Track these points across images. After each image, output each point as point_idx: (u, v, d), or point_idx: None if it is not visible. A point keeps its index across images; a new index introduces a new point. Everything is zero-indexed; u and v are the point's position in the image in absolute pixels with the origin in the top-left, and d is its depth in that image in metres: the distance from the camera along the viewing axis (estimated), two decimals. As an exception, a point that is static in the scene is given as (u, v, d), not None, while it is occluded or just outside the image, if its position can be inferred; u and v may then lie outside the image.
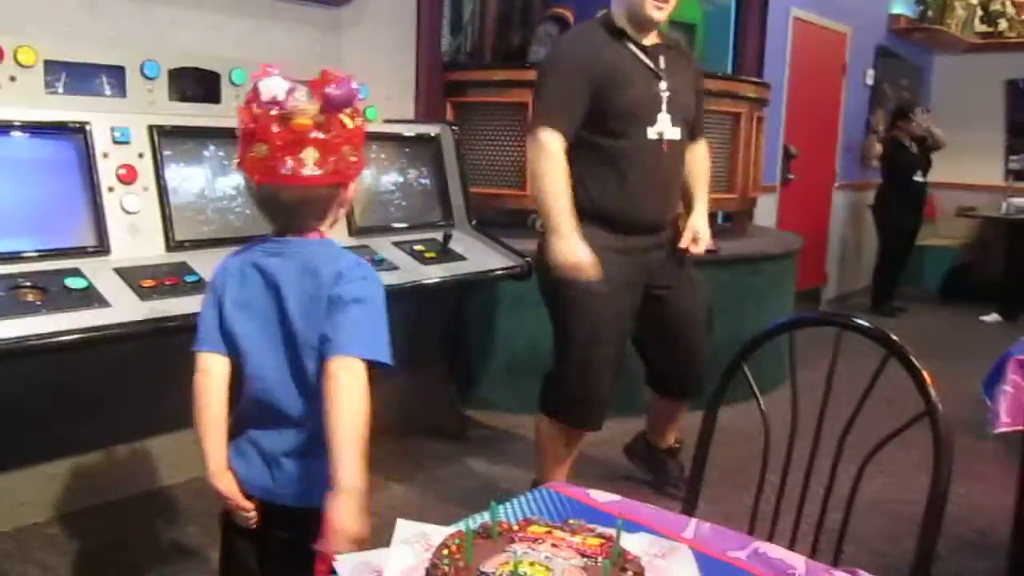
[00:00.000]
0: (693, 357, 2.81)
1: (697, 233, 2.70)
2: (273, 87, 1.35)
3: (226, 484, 1.47)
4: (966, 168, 7.35)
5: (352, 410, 1.34)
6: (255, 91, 1.37)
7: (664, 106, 2.55)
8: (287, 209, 1.44)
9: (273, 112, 1.35)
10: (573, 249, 2.44)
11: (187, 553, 2.49)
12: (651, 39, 2.59)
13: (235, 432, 1.51)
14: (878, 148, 6.45)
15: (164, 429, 2.86)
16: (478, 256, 3.09)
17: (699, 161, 2.80)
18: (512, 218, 4.09)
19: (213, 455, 1.47)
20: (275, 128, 1.35)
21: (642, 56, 2.54)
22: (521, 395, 3.75)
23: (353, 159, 1.43)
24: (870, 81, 7.06)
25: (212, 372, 1.47)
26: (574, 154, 2.52)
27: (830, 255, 6.94)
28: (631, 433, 3.19)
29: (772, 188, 5.79)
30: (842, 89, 6.66)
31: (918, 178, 6.41)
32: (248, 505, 1.47)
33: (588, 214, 2.53)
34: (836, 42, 6.47)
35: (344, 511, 1.29)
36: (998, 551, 2.58)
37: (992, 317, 6.43)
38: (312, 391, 1.42)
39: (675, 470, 3.07)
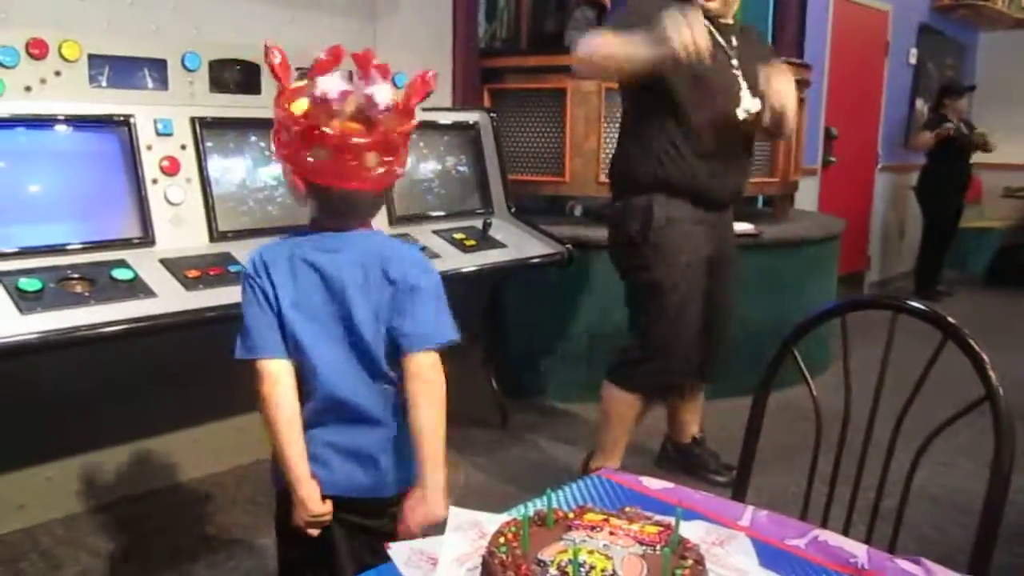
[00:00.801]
0: (721, 339, 2.83)
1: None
2: (330, 86, 1.30)
3: (311, 491, 1.40)
4: (1013, 148, 7.16)
5: (436, 406, 1.38)
6: (319, 90, 1.30)
7: (742, 82, 2.56)
8: (362, 209, 1.41)
9: (328, 112, 1.29)
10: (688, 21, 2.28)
11: (233, 538, 2.52)
12: (727, 19, 2.61)
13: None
14: (926, 137, 6.25)
15: (209, 418, 2.89)
16: (517, 243, 3.07)
17: None
18: (551, 205, 4.08)
19: (299, 463, 1.39)
20: (327, 130, 1.29)
21: (716, 34, 2.53)
22: (560, 382, 3.75)
23: (403, 162, 1.41)
24: (913, 60, 6.91)
25: (282, 380, 1.38)
26: (652, 133, 2.55)
27: (872, 238, 6.83)
28: (662, 418, 3.16)
29: (813, 171, 5.70)
30: (884, 69, 6.53)
31: (963, 159, 6.27)
32: (327, 510, 1.42)
33: (673, 188, 2.56)
34: (877, 21, 6.33)
35: (433, 501, 1.36)
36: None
37: None
38: (385, 380, 1.42)
39: (710, 458, 3.05)
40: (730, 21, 2.62)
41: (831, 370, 3.54)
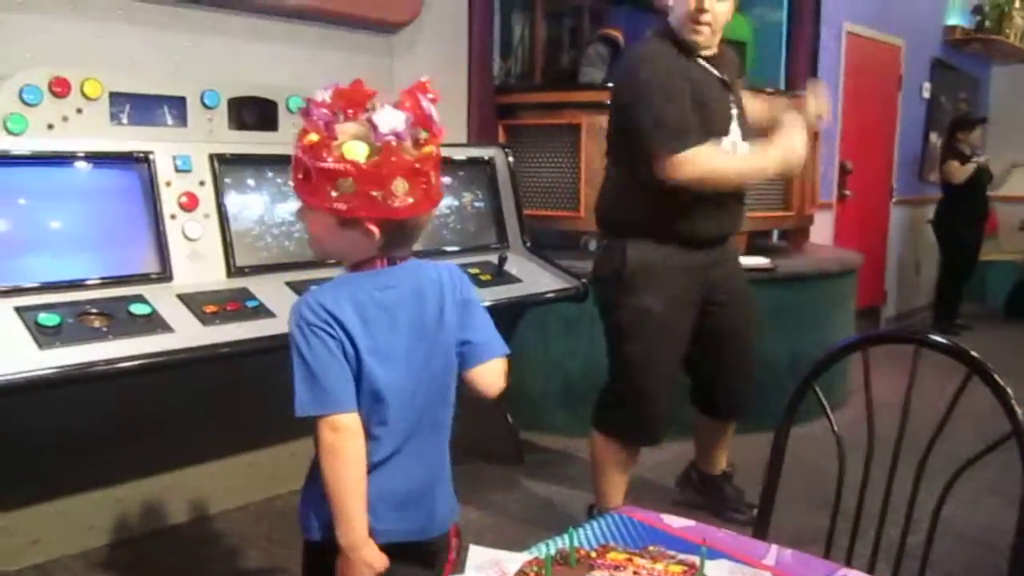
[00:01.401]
0: (744, 374, 2.77)
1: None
2: (395, 121, 1.27)
3: (374, 549, 1.35)
4: (1028, 181, 7.16)
5: None
6: (388, 128, 1.27)
7: (735, 118, 2.53)
8: (410, 236, 1.39)
9: (394, 144, 1.28)
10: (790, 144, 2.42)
11: (248, 575, 2.50)
12: (712, 51, 2.51)
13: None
14: (958, 167, 6.20)
15: (225, 453, 2.89)
16: (533, 278, 3.07)
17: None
18: (566, 240, 4.08)
19: (362, 522, 1.34)
20: (395, 159, 1.27)
21: (712, 69, 2.49)
22: (577, 417, 3.71)
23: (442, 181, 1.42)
24: (926, 94, 6.92)
25: (358, 433, 1.33)
26: (631, 177, 2.49)
27: (888, 272, 6.79)
28: (680, 455, 3.13)
29: (828, 205, 5.69)
30: (898, 103, 6.54)
31: (981, 191, 6.24)
32: (387, 563, 1.37)
33: (655, 231, 2.51)
34: (891, 55, 6.36)
35: None
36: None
37: None
38: (451, 409, 1.45)
39: (733, 494, 3.00)
40: (714, 52, 2.51)
41: (849, 405, 3.50)
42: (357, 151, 1.26)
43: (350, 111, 1.30)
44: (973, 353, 1.39)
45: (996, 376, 1.34)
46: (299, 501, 1.45)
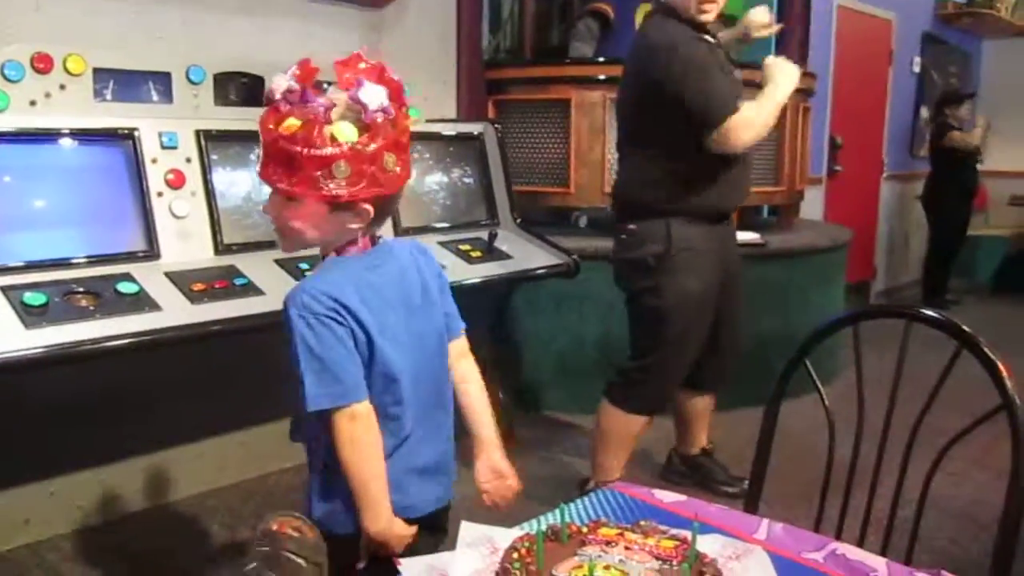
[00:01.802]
0: (732, 347, 2.83)
1: None
2: (380, 96, 1.25)
3: (401, 524, 1.34)
4: (1018, 155, 7.14)
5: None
6: (376, 105, 1.24)
7: (742, 92, 2.58)
8: (389, 208, 1.40)
9: (385, 118, 1.26)
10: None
11: (239, 553, 2.50)
12: (714, 28, 2.63)
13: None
14: (959, 135, 6.18)
15: (214, 432, 2.88)
16: (524, 254, 3.06)
17: None
18: (556, 216, 4.06)
19: (387, 504, 1.32)
20: (381, 139, 1.25)
21: (717, 44, 2.59)
22: (568, 394, 3.72)
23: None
24: (917, 69, 6.90)
25: (374, 419, 1.31)
26: (673, 154, 2.53)
27: (878, 247, 6.80)
28: (668, 428, 3.13)
29: (819, 180, 5.68)
30: (888, 78, 6.52)
31: (971, 165, 6.24)
32: (413, 531, 1.37)
33: (690, 209, 2.55)
34: (882, 30, 6.33)
35: (505, 460, 1.50)
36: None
37: None
38: (447, 385, 1.46)
39: (718, 470, 3.02)
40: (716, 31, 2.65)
41: (839, 379, 3.51)
42: (347, 132, 1.22)
43: (312, 91, 1.26)
44: (964, 327, 1.38)
45: (986, 349, 1.34)
46: (312, 498, 1.39)
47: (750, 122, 2.44)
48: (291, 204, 1.28)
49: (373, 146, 1.24)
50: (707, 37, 2.53)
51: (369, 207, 1.29)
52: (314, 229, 1.31)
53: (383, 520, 1.30)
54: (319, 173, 1.23)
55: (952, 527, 2.69)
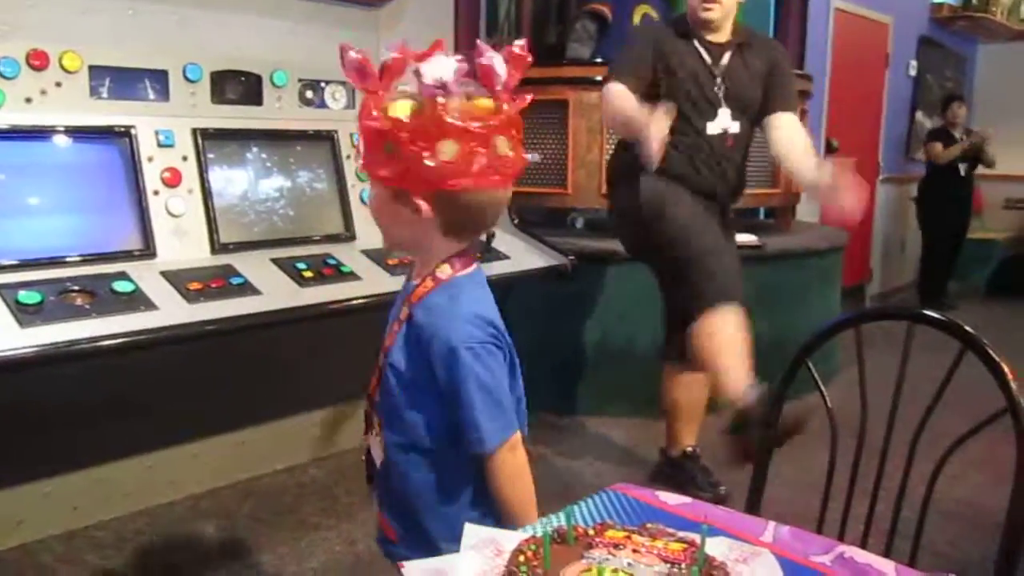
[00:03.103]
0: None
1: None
2: (442, 68, 1.09)
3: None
4: (1013, 159, 7.16)
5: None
6: (431, 78, 1.10)
7: (723, 101, 2.67)
8: (480, 217, 1.21)
9: (440, 100, 1.10)
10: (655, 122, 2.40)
11: (234, 554, 2.48)
12: (720, 36, 2.70)
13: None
14: (938, 148, 6.25)
15: (210, 432, 2.86)
16: (521, 255, 3.05)
17: (796, 138, 2.76)
18: (554, 217, 4.05)
19: None
20: (449, 119, 1.09)
21: (703, 52, 2.67)
22: (564, 395, 3.71)
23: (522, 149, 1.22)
24: (913, 72, 6.92)
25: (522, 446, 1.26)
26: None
27: (874, 250, 6.81)
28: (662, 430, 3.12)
29: (815, 183, 5.68)
30: (884, 81, 6.53)
31: (962, 172, 6.25)
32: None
33: (660, 170, 2.60)
34: (878, 33, 6.34)
35: None
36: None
37: None
38: None
39: (700, 473, 2.96)
40: (723, 39, 2.71)
41: (837, 382, 3.51)
42: (400, 107, 1.11)
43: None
44: (967, 328, 1.38)
45: (991, 351, 1.33)
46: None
47: (611, 98, 2.57)
48: (371, 187, 1.23)
49: (424, 126, 1.09)
50: (695, 43, 2.67)
51: (422, 202, 1.14)
52: (386, 218, 1.22)
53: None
54: (375, 150, 1.13)
55: (951, 529, 2.69)
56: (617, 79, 2.62)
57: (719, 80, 2.69)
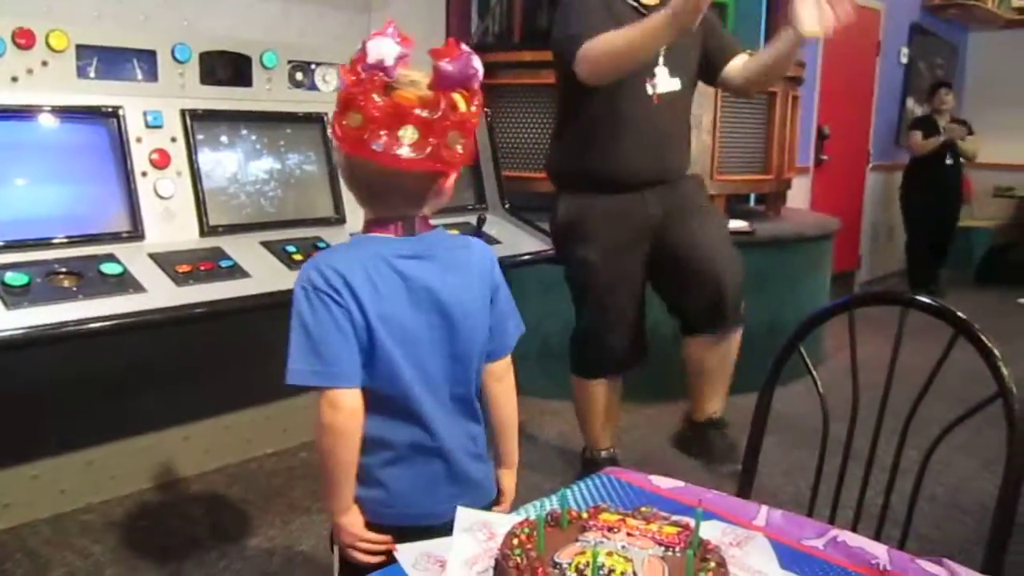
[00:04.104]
0: (710, 279, 2.66)
1: None
2: (382, 50, 1.15)
3: (356, 517, 1.30)
4: (1003, 147, 7.18)
5: (515, 400, 1.45)
6: (363, 51, 1.17)
7: (660, 60, 2.50)
8: (375, 188, 1.26)
9: (377, 78, 1.16)
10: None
11: (224, 537, 2.47)
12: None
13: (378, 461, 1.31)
14: (918, 138, 6.28)
15: (199, 415, 2.85)
16: (512, 239, 3.04)
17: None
18: (545, 201, 4.03)
19: (349, 491, 1.28)
20: (376, 98, 1.16)
21: (642, 14, 2.45)
22: (554, 380, 3.69)
23: (459, 147, 1.23)
24: (904, 60, 6.91)
25: (359, 411, 1.24)
26: (567, 119, 2.60)
27: (863, 238, 6.82)
28: (664, 417, 3.13)
29: (806, 169, 5.69)
30: (876, 68, 6.53)
31: (948, 161, 6.27)
32: (381, 537, 1.30)
33: (577, 178, 2.61)
34: (870, 20, 6.32)
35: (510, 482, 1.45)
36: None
37: None
38: (473, 394, 1.36)
39: (721, 445, 2.92)
40: (655, 1, 2.51)
41: (825, 368, 3.53)
42: (346, 73, 1.20)
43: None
44: (960, 314, 1.38)
45: (983, 337, 1.33)
46: None
47: (597, 48, 2.31)
48: None
49: (352, 95, 1.17)
50: (633, 3, 2.49)
51: (341, 165, 1.25)
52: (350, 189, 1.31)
53: (342, 504, 1.28)
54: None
55: (937, 513, 2.71)
56: (590, 38, 2.37)
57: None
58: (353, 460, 1.26)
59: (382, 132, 1.17)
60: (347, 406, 1.22)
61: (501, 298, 1.37)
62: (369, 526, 1.30)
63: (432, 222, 1.34)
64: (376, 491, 1.29)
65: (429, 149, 1.19)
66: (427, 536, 1.12)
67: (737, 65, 2.62)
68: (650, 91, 2.51)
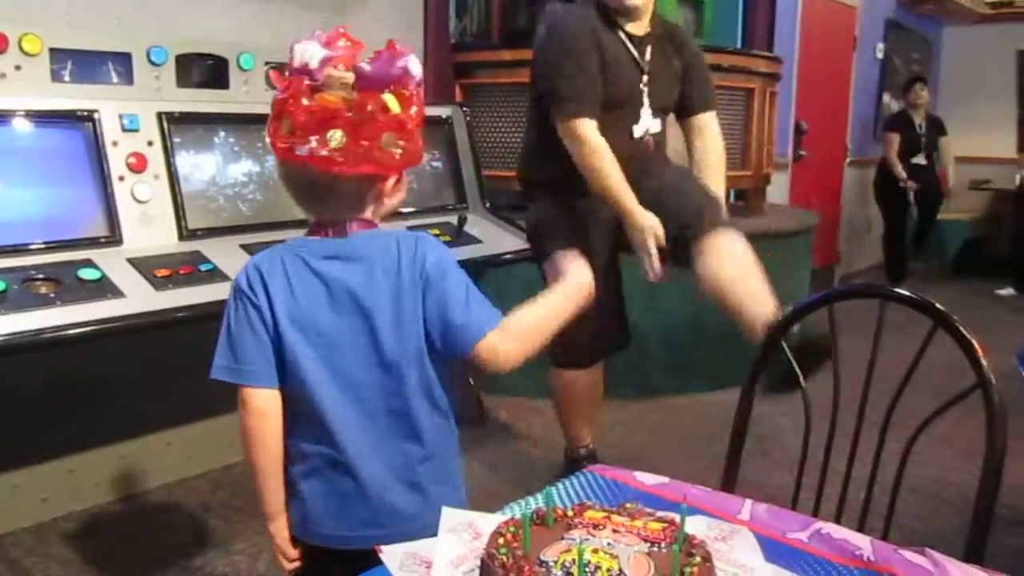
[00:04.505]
0: (681, 204, 2.47)
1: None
2: (307, 53, 1.17)
3: (282, 530, 1.29)
4: (978, 141, 7.25)
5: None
6: (290, 55, 1.20)
7: (646, 100, 2.50)
8: (310, 193, 1.24)
9: (305, 83, 1.18)
10: (649, 220, 2.39)
11: (207, 544, 2.46)
12: (640, 28, 2.50)
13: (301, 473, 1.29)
14: (893, 146, 6.38)
15: (181, 421, 2.83)
16: (493, 239, 3.03)
17: (712, 149, 2.66)
18: (522, 200, 4.03)
19: (275, 498, 1.28)
20: (304, 101, 1.16)
21: (630, 46, 2.47)
22: (537, 378, 3.69)
23: (396, 149, 1.19)
24: (880, 55, 6.97)
25: (270, 413, 1.23)
26: (535, 130, 2.58)
27: (842, 232, 6.87)
28: (647, 415, 3.13)
29: (784, 164, 5.72)
30: (852, 64, 6.58)
31: (918, 160, 6.34)
32: (293, 554, 1.31)
33: (550, 186, 2.60)
34: (846, 16, 6.38)
35: None
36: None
37: (1008, 291, 6.38)
38: (416, 412, 1.27)
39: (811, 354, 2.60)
40: (643, 31, 2.50)
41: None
42: (278, 80, 1.23)
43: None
44: (939, 306, 1.39)
45: (962, 328, 1.34)
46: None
47: (582, 149, 2.37)
48: None
49: (283, 99, 1.20)
50: (620, 34, 2.45)
51: (278, 170, 1.27)
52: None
53: (269, 509, 1.29)
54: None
55: (918, 505, 2.73)
56: (583, 112, 2.37)
57: (646, 78, 2.48)
58: (268, 465, 1.26)
59: (311, 137, 1.15)
60: (255, 406, 1.23)
61: (448, 290, 1.26)
62: (293, 540, 1.30)
63: (413, 223, 1.34)
64: (296, 504, 1.29)
65: (360, 152, 1.17)
66: (340, 561, 1.16)
67: (699, 137, 2.65)
68: (639, 134, 2.51)
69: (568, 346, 2.69)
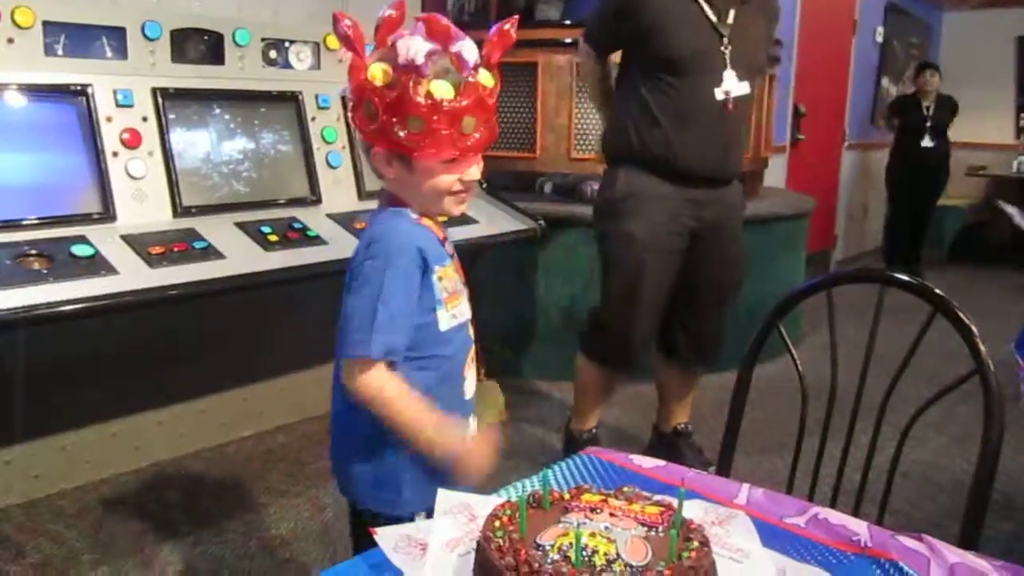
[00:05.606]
0: (713, 320, 2.71)
1: None
2: (413, 48, 1.16)
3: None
4: (976, 127, 7.23)
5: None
6: (403, 56, 1.17)
7: (728, 62, 2.44)
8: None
9: (434, 75, 1.19)
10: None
11: (200, 522, 2.45)
12: None
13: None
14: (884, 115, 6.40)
15: (174, 399, 2.82)
16: (491, 219, 3.02)
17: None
18: (523, 181, 4.02)
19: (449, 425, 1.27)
20: (418, 98, 1.18)
21: (706, 8, 2.42)
22: (535, 360, 3.71)
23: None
24: (879, 39, 6.93)
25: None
26: (630, 98, 2.51)
27: (839, 216, 6.86)
28: (644, 398, 3.13)
29: (782, 148, 5.70)
30: (851, 47, 6.54)
31: (926, 143, 6.32)
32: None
33: (639, 159, 2.51)
34: (845, -1, 6.34)
35: None
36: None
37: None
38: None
39: (691, 453, 2.86)
40: None
41: (803, 347, 3.55)
42: (376, 72, 1.20)
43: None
44: (938, 292, 1.38)
45: (961, 313, 1.34)
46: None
47: (582, 55, 2.72)
48: None
49: (386, 99, 1.21)
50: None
51: (393, 165, 1.30)
52: (373, 161, 1.35)
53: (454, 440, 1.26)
54: (359, 106, 1.26)
55: (911, 489, 2.74)
56: (587, 40, 2.63)
57: (725, 40, 2.44)
58: (421, 405, 1.25)
59: (445, 130, 1.20)
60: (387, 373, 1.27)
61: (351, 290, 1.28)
62: (379, 519, 1.24)
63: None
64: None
65: (482, 133, 1.27)
66: None
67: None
68: (721, 96, 2.45)
69: (603, 346, 2.67)
